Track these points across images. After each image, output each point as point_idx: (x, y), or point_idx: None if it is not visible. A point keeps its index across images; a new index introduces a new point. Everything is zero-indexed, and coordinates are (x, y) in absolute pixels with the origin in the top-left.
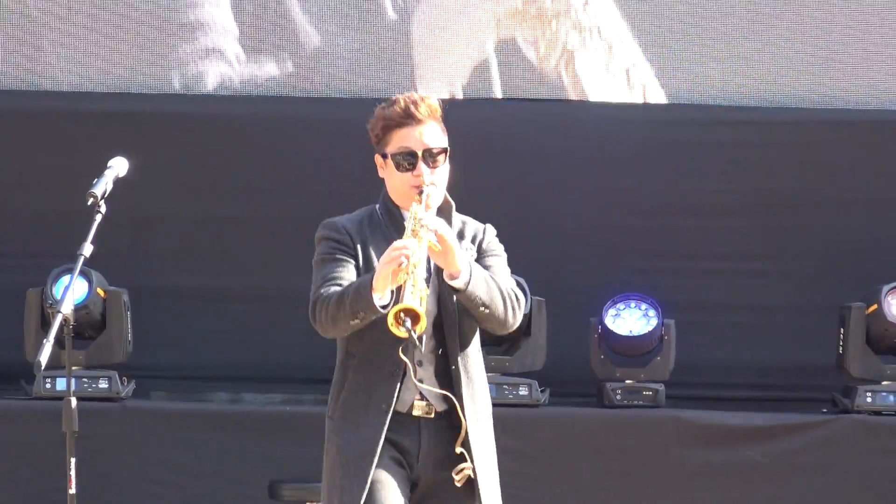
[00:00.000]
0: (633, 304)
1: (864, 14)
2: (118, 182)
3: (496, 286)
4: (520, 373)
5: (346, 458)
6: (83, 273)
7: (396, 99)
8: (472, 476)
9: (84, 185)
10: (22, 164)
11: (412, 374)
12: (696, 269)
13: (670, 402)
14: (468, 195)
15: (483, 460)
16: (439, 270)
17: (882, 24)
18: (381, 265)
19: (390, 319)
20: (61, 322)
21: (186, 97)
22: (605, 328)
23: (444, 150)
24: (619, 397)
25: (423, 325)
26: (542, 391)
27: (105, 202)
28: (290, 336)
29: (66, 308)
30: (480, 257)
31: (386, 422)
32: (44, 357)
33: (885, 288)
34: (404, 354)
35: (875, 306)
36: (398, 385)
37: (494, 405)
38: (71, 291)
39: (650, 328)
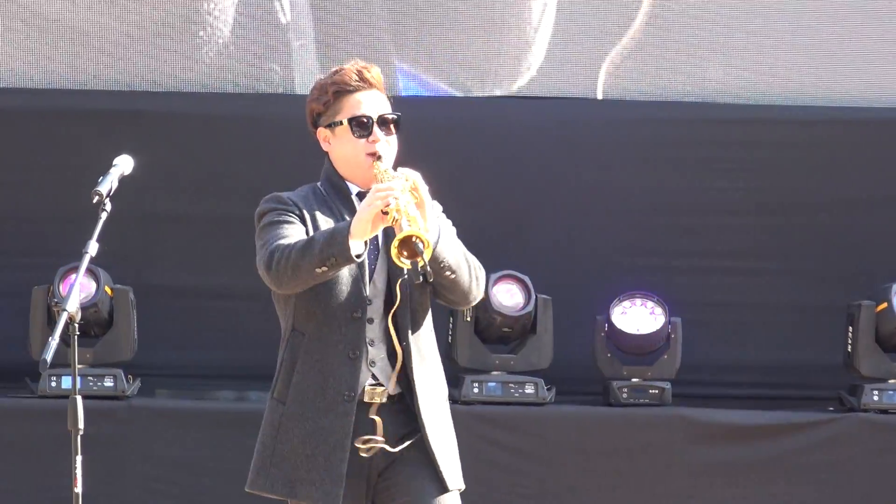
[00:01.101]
0: (639, 303)
1: (866, 12)
2: (123, 180)
3: (462, 251)
4: (526, 371)
5: (311, 451)
6: (91, 272)
7: (341, 68)
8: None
9: (89, 184)
10: (28, 162)
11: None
12: (702, 267)
13: (677, 400)
14: (475, 193)
15: (438, 435)
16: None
17: (884, 23)
18: (363, 208)
19: (393, 250)
20: (67, 320)
21: (192, 95)
22: (611, 326)
23: (398, 120)
24: (625, 396)
25: (430, 252)
26: (548, 389)
27: (110, 200)
28: None
29: (72, 306)
30: None
31: (352, 412)
32: (49, 355)
33: (894, 286)
34: (401, 290)
35: (885, 304)
36: (360, 369)
37: (500, 404)
38: (76, 290)
39: (657, 326)
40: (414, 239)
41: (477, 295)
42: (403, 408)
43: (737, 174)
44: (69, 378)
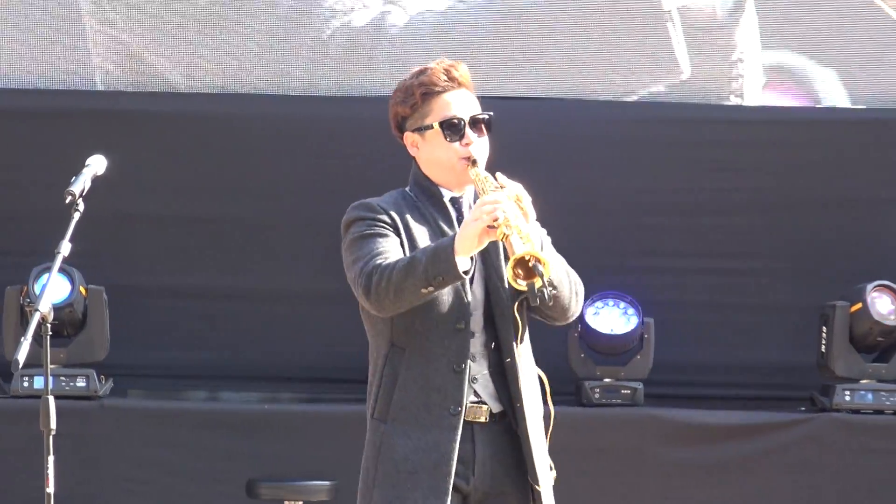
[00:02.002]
0: (611, 303)
1: (845, 16)
2: (96, 180)
3: (564, 266)
4: None
5: (413, 467)
6: (65, 272)
7: (427, 67)
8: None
9: (62, 184)
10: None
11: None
12: (674, 267)
13: (649, 400)
14: None
15: (543, 472)
16: (488, 254)
17: (857, 26)
18: (468, 223)
19: (509, 272)
20: (39, 320)
21: (164, 95)
22: (585, 326)
23: (489, 120)
24: (597, 396)
25: (549, 270)
26: None
27: (83, 200)
28: (268, 334)
29: (44, 306)
30: None
31: (458, 426)
32: (21, 355)
33: (870, 286)
34: (518, 312)
35: (860, 305)
36: (465, 382)
37: None
38: (49, 290)
39: (631, 327)
40: (530, 259)
41: (575, 311)
42: (505, 428)
43: (710, 175)
44: (41, 378)
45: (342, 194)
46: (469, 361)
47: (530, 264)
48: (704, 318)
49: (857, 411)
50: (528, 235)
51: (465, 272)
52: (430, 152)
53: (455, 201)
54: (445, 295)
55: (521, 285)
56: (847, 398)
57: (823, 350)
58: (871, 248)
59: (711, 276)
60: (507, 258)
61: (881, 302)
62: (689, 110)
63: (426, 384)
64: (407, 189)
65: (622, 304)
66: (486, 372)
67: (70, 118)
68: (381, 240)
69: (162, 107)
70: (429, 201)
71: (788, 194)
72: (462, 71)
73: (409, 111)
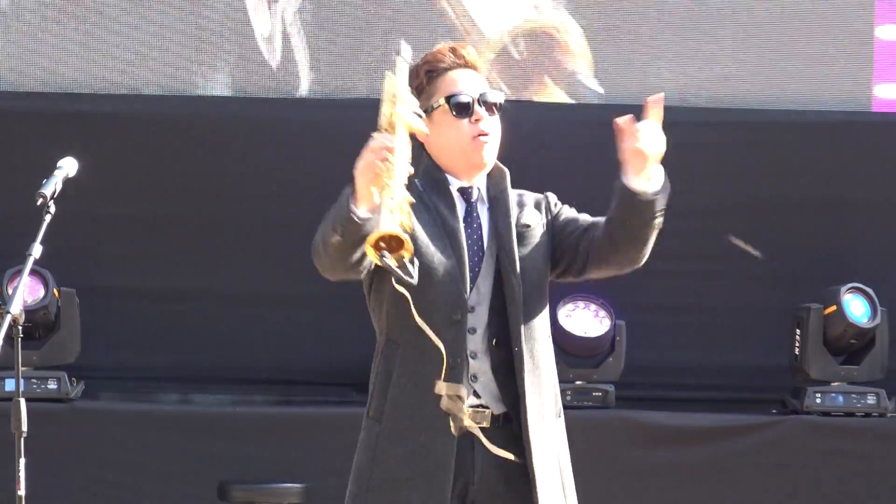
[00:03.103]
0: (582, 305)
1: (805, 18)
2: (68, 182)
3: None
4: None
5: (410, 474)
6: (39, 274)
7: (434, 49)
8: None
9: (33, 186)
10: None
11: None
12: (646, 270)
13: (620, 403)
14: None
15: (544, 465)
16: (503, 241)
17: (815, 29)
18: (357, 174)
19: (369, 251)
20: (10, 322)
21: (135, 98)
22: (558, 329)
23: (500, 103)
24: (568, 398)
25: (410, 248)
26: None
27: (54, 203)
28: (239, 337)
29: (16, 308)
30: (559, 218)
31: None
32: None
33: (843, 289)
34: (399, 284)
35: (834, 307)
36: (461, 380)
37: None
38: (20, 292)
39: (604, 329)
40: (391, 238)
41: (645, 256)
42: (509, 434)
43: (681, 178)
44: (13, 381)
45: (315, 195)
46: (468, 360)
47: (392, 241)
48: (676, 321)
49: (827, 413)
50: (398, 199)
51: (362, 219)
52: (438, 134)
53: (465, 191)
54: (440, 286)
55: (383, 262)
56: (818, 400)
57: (797, 352)
58: (840, 250)
59: (683, 279)
60: (521, 243)
61: (855, 304)
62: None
63: (420, 382)
64: (416, 180)
65: (593, 307)
66: (488, 370)
67: (39, 120)
68: None
69: (130, 109)
70: (435, 191)
71: (760, 196)
72: (469, 51)
73: (416, 94)
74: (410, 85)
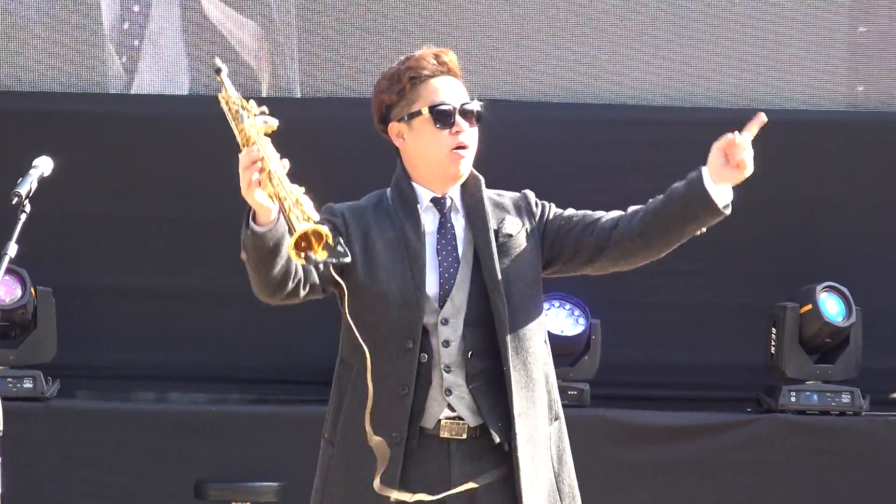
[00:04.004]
0: (557, 304)
1: (773, 15)
2: (43, 181)
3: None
4: None
5: (360, 495)
6: (17, 273)
7: (413, 54)
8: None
9: (8, 185)
10: None
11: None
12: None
13: (595, 401)
14: None
15: (532, 484)
16: (481, 252)
17: (791, 27)
18: (244, 195)
19: (293, 256)
20: None
21: (110, 97)
22: None
23: (481, 112)
24: None
25: (327, 233)
26: None
27: (30, 202)
28: (215, 336)
29: None
30: (548, 219)
31: (399, 457)
32: None
33: (819, 287)
34: (335, 271)
35: (809, 306)
36: (409, 407)
37: None
38: None
39: (579, 329)
40: (312, 233)
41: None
42: (488, 444)
43: (653, 174)
44: None
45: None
46: (441, 375)
47: (310, 237)
48: (651, 320)
49: (802, 412)
50: (296, 200)
51: (259, 233)
52: (416, 143)
53: (437, 202)
54: (394, 308)
55: (302, 260)
56: (793, 399)
57: (773, 351)
58: (815, 249)
59: (657, 277)
60: (504, 254)
61: (830, 303)
62: (634, 111)
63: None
64: (388, 189)
65: (568, 306)
66: (463, 383)
67: (15, 119)
68: None
69: (105, 108)
70: (402, 206)
71: (735, 196)
72: (451, 57)
73: (396, 98)
74: (390, 91)
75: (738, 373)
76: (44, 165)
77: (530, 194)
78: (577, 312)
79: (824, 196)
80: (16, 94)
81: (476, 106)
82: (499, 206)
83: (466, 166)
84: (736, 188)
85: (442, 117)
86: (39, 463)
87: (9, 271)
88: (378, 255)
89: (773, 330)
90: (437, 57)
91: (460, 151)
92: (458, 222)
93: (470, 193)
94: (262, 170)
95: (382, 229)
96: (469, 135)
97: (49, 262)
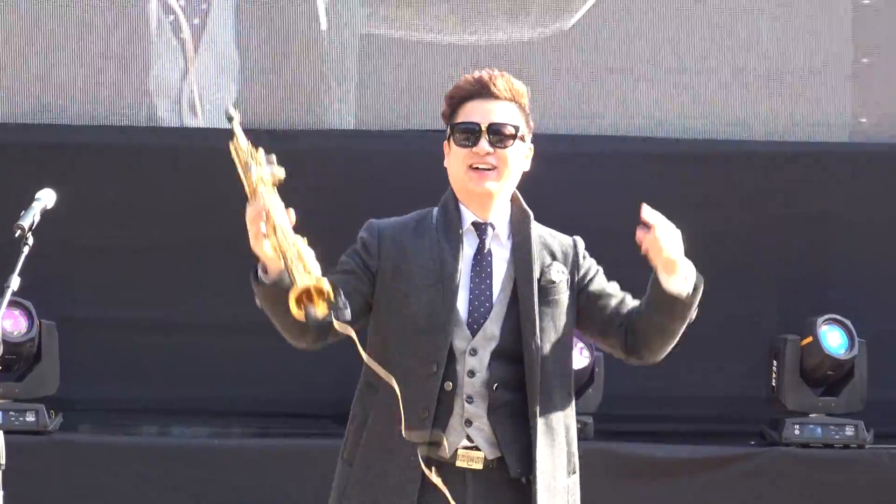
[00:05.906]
0: None
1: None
2: (46, 214)
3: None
4: None
5: None
6: (24, 306)
7: (464, 76)
8: None
9: (11, 218)
10: None
11: (458, 405)
12: None
13: (598, 434)
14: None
15: None
16: (519, 287)
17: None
18: (253, 248)
19: (294, 310)
20: None
21: (111, 129)
22: None
23: (515, 133)
24: None
25: (328, 290)
26: None
27: (32, 234)
28: (218, 368)
29: None
30: (589, 285)
31: (417, 480)
32: None
33: (820, 320)
34: (337, 319)
35: (810, 338)
36: (429, 430)
37: None
38: None
39: (584, 362)
40: (314, 289)
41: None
42: (501, 477)
43: (656, 207)
44: None
45: (296, 228)
46: (463, 405)
47: (311, 293)
48: None
49: (806, 445)
50: (295, 250)
51: (268, 284)
52: (448, 161)
53: (479, 227)
54: (422, 334)
55: (305, 317)
56: (797, 432)
57: (774, 384)
58: (818, 281)
59: None
60: (543, 299)
61: (832, 335)
62: (639, 144)
63: (392, 429)
64: (435, 209)
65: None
66: (483, 415)
67: (18, 152)
68: (339, 275)
69: (110, 140)
70: (444, 228)
71: (737, 227)
72: (499, 82)
73: (446, 120)
74: (444, 114)
75: (741, 405)
76: (47, 198)
77: (580, 244)
78: (580, 345)
79: (829, 228)
80: (18, 126)
81: (507, 128)
82: (547, 248)
83: (487, 185)
84: (742, 220)
85: (463, 135)
86: (42, 496)
87: (15, 304)
88: (411, 274)
89: (774, 362)
90: (478, 79)
91: (478, 167)
92: (500, 253)
93: (516, 229)
94: (267, 221)
95: (420, 249)
96: (496, 155)
97: (52, 295)
